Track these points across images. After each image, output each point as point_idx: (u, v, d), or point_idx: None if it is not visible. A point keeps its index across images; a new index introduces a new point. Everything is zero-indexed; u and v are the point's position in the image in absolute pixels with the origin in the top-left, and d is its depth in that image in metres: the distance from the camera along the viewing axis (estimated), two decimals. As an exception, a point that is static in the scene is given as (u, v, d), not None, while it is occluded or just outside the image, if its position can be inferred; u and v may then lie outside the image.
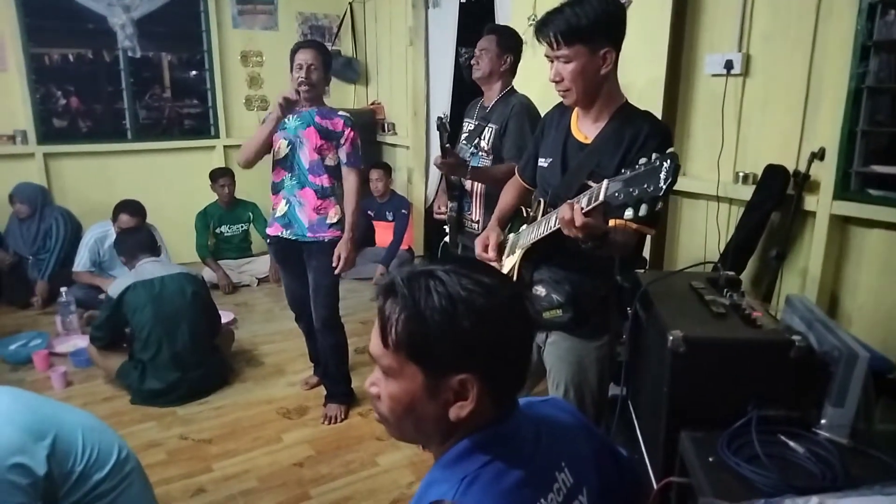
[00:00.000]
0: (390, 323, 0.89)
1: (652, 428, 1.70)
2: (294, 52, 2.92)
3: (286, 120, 2.94)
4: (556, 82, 1.77)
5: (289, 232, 3.02)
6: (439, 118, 2.84)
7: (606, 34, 1.71)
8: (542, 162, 1.94)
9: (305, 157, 2.95)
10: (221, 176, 5.12)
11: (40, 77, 5.11)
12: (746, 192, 2.72)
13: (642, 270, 2.13)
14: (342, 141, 2.96)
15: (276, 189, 3.03)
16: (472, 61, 2.89)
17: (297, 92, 2.84)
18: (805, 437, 1.38)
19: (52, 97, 5.37)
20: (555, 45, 1.71)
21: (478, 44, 2.86)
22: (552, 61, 1.76)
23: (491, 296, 0.88)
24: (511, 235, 2.02)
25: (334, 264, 2.96)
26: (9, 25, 4.75)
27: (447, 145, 2.76)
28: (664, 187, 1.26)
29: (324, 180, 2.98)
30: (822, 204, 2.48)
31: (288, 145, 2.95)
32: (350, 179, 3.03)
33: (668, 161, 1.27)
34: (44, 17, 4.90)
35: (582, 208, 1.46)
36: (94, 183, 5.17)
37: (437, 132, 2.84)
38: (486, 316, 0.87)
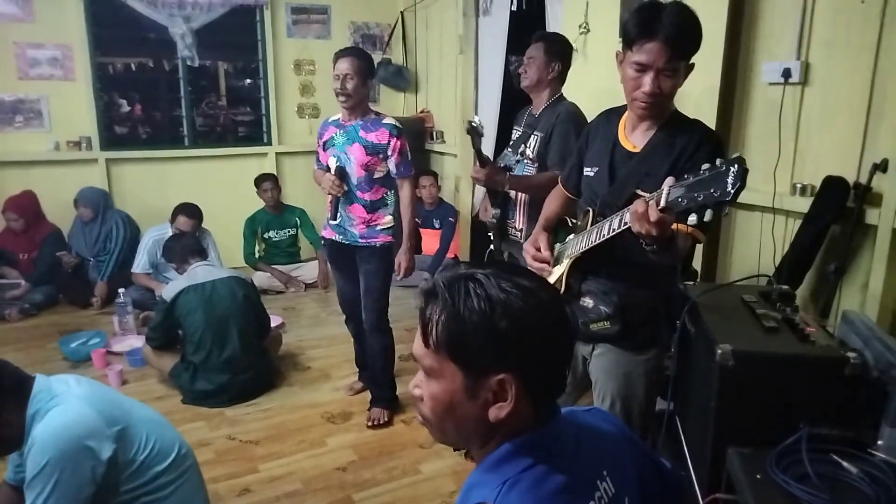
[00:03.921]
0: (431, 324, 0.91)
1: (699, 443, 1.66)
2: (334, 60, 2.93)
3: (334, 136, 2.98)
4: (653, 95, 1.66)
5: (341, 237, 3.07)
6: (469, 122, 2.80)
7: None
8: (588, 171, 1.91)
9: (353, 173, 2.97)
10: (265, 180, 5.22)
11: (104, 85, 5.31)
12: (804, 205, 2.64)
13: (692, 283, 2.08)
14: (389, 152, 2.95)
15: (332, 199, 3.08)
16: (521, 69, 2.88)
17: (340, 186, 2.93)
18: (859, 458, 1.33)
19: (115, 105, 5.58)
20: (670, 56, 1.62)
21: (526, 52, 2.85)
22: (646, 71, 1.64)
23: (529, 298, 0.89)
24: (557, 245, 2.00)
25: (395, 272, 3.08)
26: (78, 36, 4.94)
27: (482, 152, 2.74)
28: (733, 192, 1.23)
29: (372, 194, 2.99)
30: (884, 217, 2.38)
31: (337, 162, 2.97)
32: (404, 189, 3.07)
33: (736, 166, 1.24)
34: (110, 27, 5.07)
35: (658, 204, 1.38)
36: (151, 188, 5.34)
37: (469, 137, 2.80)
38: (524, 317, 0.88)
